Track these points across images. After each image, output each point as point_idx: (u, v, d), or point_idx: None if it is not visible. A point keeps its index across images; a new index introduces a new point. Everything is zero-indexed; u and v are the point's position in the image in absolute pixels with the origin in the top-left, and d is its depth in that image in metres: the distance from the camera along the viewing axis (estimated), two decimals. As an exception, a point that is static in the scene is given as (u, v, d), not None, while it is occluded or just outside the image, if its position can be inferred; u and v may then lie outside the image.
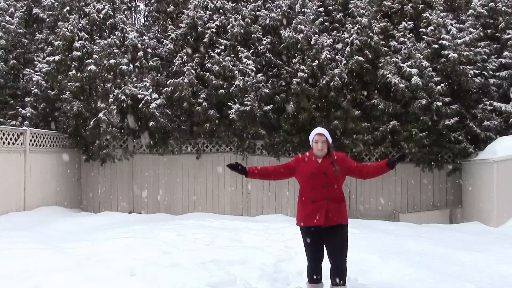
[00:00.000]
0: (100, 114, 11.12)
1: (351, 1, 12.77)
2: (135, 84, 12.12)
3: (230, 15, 12.80)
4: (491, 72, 11.82)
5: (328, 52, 11.69)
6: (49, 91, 11.97)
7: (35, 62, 12.68)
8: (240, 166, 4.34)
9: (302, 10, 12.45)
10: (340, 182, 4.26)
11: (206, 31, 12.49)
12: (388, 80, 11.22)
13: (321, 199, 4.13)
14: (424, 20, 12.22)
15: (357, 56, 11.57)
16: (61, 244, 6.40)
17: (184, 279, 4.61)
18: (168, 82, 11.94)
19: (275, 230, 7.45)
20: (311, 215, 4.15)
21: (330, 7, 13.11)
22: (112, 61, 11.72)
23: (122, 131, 12.31)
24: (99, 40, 12.02)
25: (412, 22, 12.23)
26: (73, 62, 11.49)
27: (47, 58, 12.04)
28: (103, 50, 11.68)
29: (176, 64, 12.32)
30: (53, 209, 10.66)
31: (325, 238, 4.18)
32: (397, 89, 11.12)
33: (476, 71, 11.51)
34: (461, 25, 12.05)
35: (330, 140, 4.29)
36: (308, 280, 4.35)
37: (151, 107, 11.48)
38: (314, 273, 4.30)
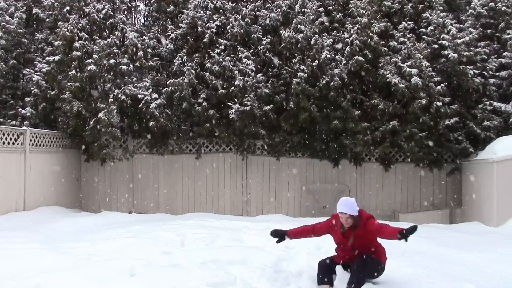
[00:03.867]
0: (100, 114, 11.11)
1: (351, 1, 12.76)
2: (135, 84, 12.12)
3: (230, 15, 12.80)
4: (491, 72, 11.80)
5: (328, 52, 11.68)
6: (49, 91, 11.98)
7: (35, 62, 12.70)
8: (280, 231, 4.88)
9: (302, 10, 12.44)
10: (370, 240, 4.50)
11: (206, 31, 12.49)
12: (388, 80, 11.22)
13: (348, 259, 4.58)
14: (424, 20, 12.22)
15: (357, 56, 11.56)
16: (61, 244, 6.40)
17: (184, 279, 4.61)
18: (168, 82, 11.94)
19: (275, 230, 7.44)
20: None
21: (330, 7, 13.09)
22: (112, 61, 11.72)
23: (123, 131, 12.31)
24: (99, 40, 12.01)
25: (412, 22, 12.23)
26: (73, 62, 11.48)
27: (47, 58, 12.04)
28: (103, 50, 11.68)
29: (176, 64, 12.32)
30: (53, 209, 10.66)
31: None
32: (397, 89, 11.11)
33: (476, 71, 11.49)
34: (461, 25, 12.04)
35: (355, 213, 4.45)
36: (317, 283, 4.55)
37: (151, 107, 11.48)
38: (324, 277, 4.53)
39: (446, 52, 11.43)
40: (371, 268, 4.46)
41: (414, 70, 11.11)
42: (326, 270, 4.59)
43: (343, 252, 4.61)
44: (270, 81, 12.09)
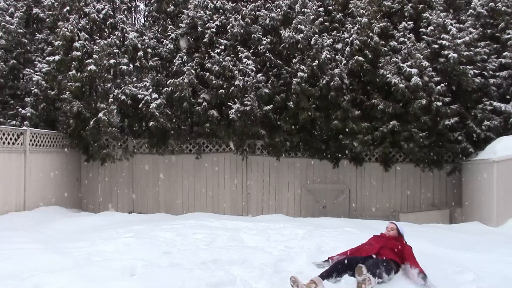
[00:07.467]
0: (100, 114, 11.12)
1: (351, 1, 12.75)
2: (135, 84, 12.12)
3: (230, 15, 12.79)
4: (491, 72, 11.80)
5: (328, 52, 11.68)
6: (49, 91, 11.98)
7: (35, 62, 12.70)
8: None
9: (302, 10, 12.44)
10: (394, 257, 5.00)
11: (206, 31, 12.49)
12: (388, 80, 11.22)
13: (370, 250, 5.12)
14: (424, 20, 12.21)
15: (357, 56, 11.56)
16: (61, 244, 6.39)
17: (184, 279, 4.61)
18: (168, 82, 11.94)
19: (275, 230, 7.45)
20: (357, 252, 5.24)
21: (330, 7, 13.09)
22: (112, 61, 11.72)
23: (123, 131, 12.30)
24: (99, 40, 12.01)
25: (412, 22, 12.22)
26: (73, 62, 11.48)
27: (47, 58, 12.04)
28: (103, 50, 11.68)
29: (176, 64, 12.32)
30: (53, 209, 10.66)
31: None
32: (397, 89, 11.11)
33: (476, 71, 11.49)
34: (461, 25, 12.04)
35: (401, 231, 5.51)
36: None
37: (151, 107, 11.48)
38: (329, 272, 4.81)
39: (446, 52, 11.43)
40: (382, 268, 4.75)
41: (414, 70, 11.11)
42: (335, 269, 4.86)
43: (369, 245, 5.23)
44: (270, 81, 12.09)
